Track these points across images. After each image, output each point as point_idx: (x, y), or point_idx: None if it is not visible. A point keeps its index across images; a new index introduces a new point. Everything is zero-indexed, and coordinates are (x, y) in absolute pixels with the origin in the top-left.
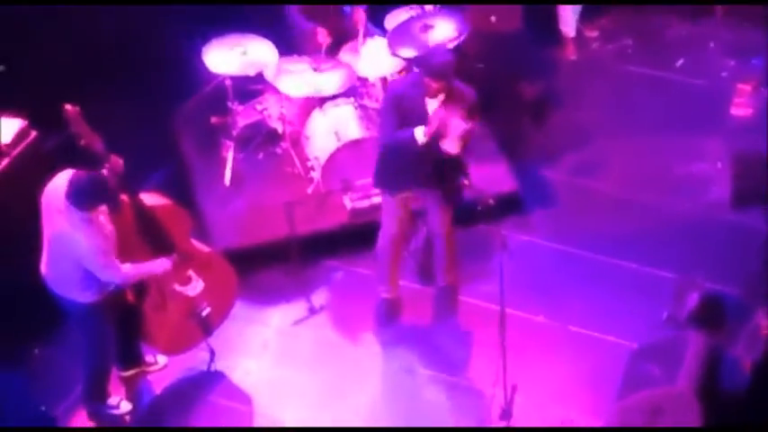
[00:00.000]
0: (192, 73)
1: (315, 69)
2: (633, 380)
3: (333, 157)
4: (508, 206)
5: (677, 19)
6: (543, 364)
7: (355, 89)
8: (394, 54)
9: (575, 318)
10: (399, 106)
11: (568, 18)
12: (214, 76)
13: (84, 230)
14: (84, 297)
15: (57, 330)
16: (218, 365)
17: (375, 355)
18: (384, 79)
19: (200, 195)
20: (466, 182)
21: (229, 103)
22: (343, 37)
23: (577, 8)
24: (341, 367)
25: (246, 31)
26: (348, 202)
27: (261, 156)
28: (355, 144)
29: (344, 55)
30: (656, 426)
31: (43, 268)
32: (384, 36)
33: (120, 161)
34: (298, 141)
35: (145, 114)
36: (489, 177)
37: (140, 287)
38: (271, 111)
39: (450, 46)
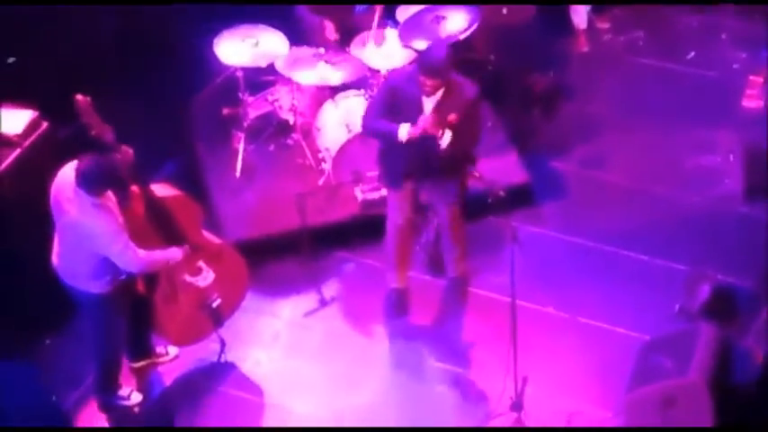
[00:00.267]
0: (204, 64)
1: (326, 61)
2: (644, 372)
3: (344, 149)
4: (519, 198)
5: (689, 11)
6: (554, 356)
7: (366, 81)
8: (406, 46)
9: (585, 309)
10: (393, 97)
11: (580, 10)
12: (226, 68)
13: (97, 216)
14: (95, 287)
15: (68, 321)
16: (229, 356)
17: (386, 347)
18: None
19: (211, 186)
20: (476, 174)
21: (241, 95)
22: (352, 29)
23: None
24: (351, 359)
25: (258, 22)
26: (359, 193)
27: (272, 147)
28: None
29: (355, 47)
30: (667, 417)
31: (54, 259)
32: (395, 28)
33: (131, 152)
34: (309, 133)
35: (156, 105)
36: (500, 169)
37: (151, 278)
38: (282, 102)
39: (461, 37)
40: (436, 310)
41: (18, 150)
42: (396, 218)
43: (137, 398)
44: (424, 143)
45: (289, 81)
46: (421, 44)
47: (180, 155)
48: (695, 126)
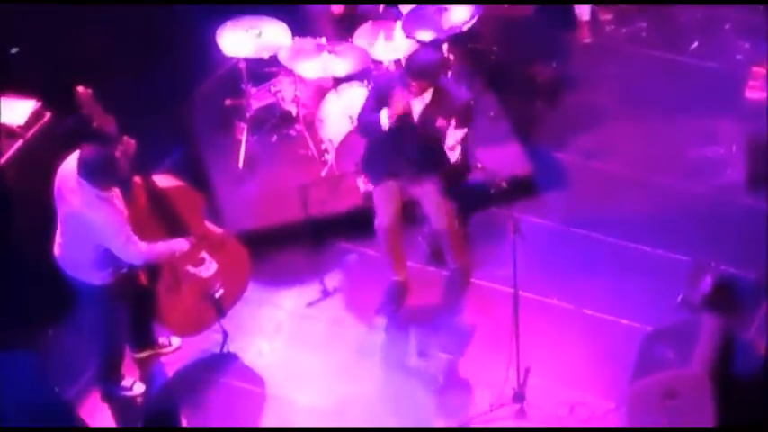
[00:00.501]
0: (207, 55)
1: (329, 51)
2: (647, 362)
3: (346, 140)
4: (521, 189)
5: (692, 1)
6: (556, 347)
7: (370, 72)
8: (409, 37)
9: (588, 300)
10: (381, 99)
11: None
12: (228, 59)
13: (100, 208)
14: (98, 279)
15: (70, 312)
16: (231, 347)
17: (388, 338)
18: (399, 62)
19: (213, 177)
20: (479, 165)
21: (243, 86)
22: (356, 20)
23: None
24: (354, 349)
25: (261, 13)
26: (361, 184)
27: (274, 138)
28: None
29: (359, 38)
30: (669, 408)
31: (56, 250)
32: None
33: (133, 143)
34: (311, 124)
35: (159, 97)
36: (502, 160)
37: (153, 269)
38: (285, 93)
39: (465, 28)
40: (439, 301)
41: (20, 141)
42: (382, 218)
43: (139, 388)
44: (405, 135)
45: (291, 72)
46: (425, 35)
47: (182, 146)
48: (698, 117)
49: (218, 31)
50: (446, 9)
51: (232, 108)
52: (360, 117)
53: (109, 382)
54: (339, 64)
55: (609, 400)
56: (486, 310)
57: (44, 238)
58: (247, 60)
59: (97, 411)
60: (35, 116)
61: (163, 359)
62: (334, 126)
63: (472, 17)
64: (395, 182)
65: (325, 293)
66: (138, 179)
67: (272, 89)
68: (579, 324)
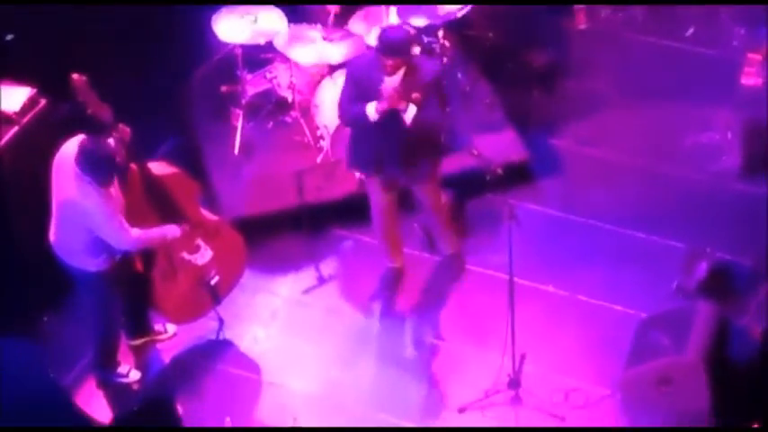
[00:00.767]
0: (203, 42)
1: (324, 38)
2: (642, 349)
3: (342, 127)
4: (517, 175)
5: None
6: (552, 334)
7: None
8: (404, 23)
9: (583, 287)
10: (357, 86)
11: None
12: (224, 45)
13: (94, 197)
14: (93, 265)
15: (66, 298)
16: (227, 334)
17: (383, 324)
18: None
19: (209, 164)
20: (474, 151)
21: (239, 72)
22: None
23: None
24: (349, 336)
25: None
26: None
27: (270, 124)
28: None
29: (354, 24)
30: (663, 395)
31: (52, 236)
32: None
33: (128, 130)
34: (307, 110)
35: (154, 83)
36: (498, 147)
37: (149, 256)
38: (280, 79)
39: (459, 15)
40: (434, 288)
41: (16, 128)
42: (377, 202)
43: (135, 375)
44: (391, 125)
45: (287, 58)
46: (420, 21)
47: (178, 132)
48: (694, 103)
49: (214, 18)
50: None
51: (228, 94)
52: (341, 108)
53: (105, 369)
54: (335, 50)
55: (604, 387)
56: (481, 297)
57: (39, 225)
58: (243, 46)
59: (93, 398)
60: (30, 103)
61: (158, 346)
62: (330, 112)
63: (467, 3)
64: (382, 171)
65: (321, 280)
66: (133, 166)
67: (268, 75)
68: (574, 311)
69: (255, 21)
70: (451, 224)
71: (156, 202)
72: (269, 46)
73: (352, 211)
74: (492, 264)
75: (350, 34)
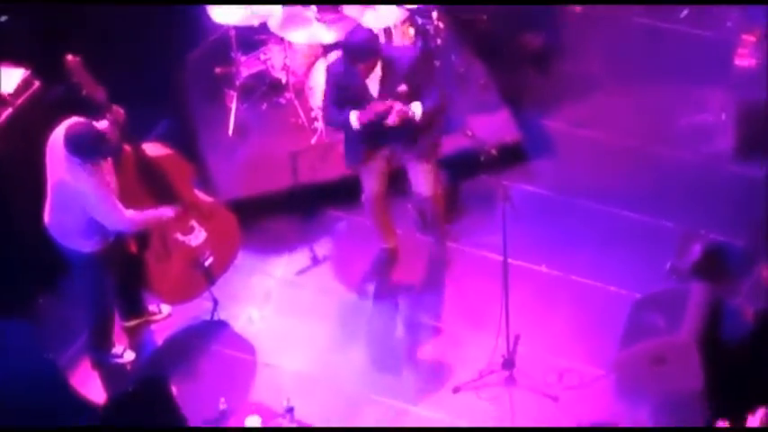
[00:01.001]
0: (197, 23)
1: (318, 20)
2: (636, 330)
3: None
4: (511, 156)
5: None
6: (546, 314)
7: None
8: (399, 5)
9: (577, 268)
10: (339, 88)
11: None
12: (218, 27)
13: (87, 179)
14: (87, 246)
15: (61, 279)
16: (221, 315)
17: (378, 305)
18: (388, 30)
19: (203, 145)
20: (469, 132)
21: (233, 54)
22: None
23: None
24: (343, 316)
25: None
26: None
27: (264, 106)
28: None
29: (348, 6)
30: (657, 375)
31: (46, 217)
32: None
33: (122, 111)
34: (301, 92)
35: (148, 65)
36: (492, 128)
37: (143, 237)
38: (274, 61)
39: None
40: (427, 269)
41: (10, 109)
42: (369, 188)
43: (129, 356)
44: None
45: (281, 40)
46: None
47: (172, 114)
48: (687, 84)
49: None
50: None
51: (222, 76)
52: (325, 112)
53: (99, 350)
54: (328, 32)
55: (597, 367)
56: (475, 278)
57: (34, 206)
58: (237, 28)
59: (88, 379)
60: (24, 84)
61: (153, 327)
62: None
63: None
64: (379, 155)
65: (315, 261)
66: (127, 148)
67: (262, 57)
68: (568, 291)
69: (249, 2)
70: (445, 207)
71: (150, 184)
72: (263, 27)
73: (346, 192)
74: (486, 244)
75: (344, 17)
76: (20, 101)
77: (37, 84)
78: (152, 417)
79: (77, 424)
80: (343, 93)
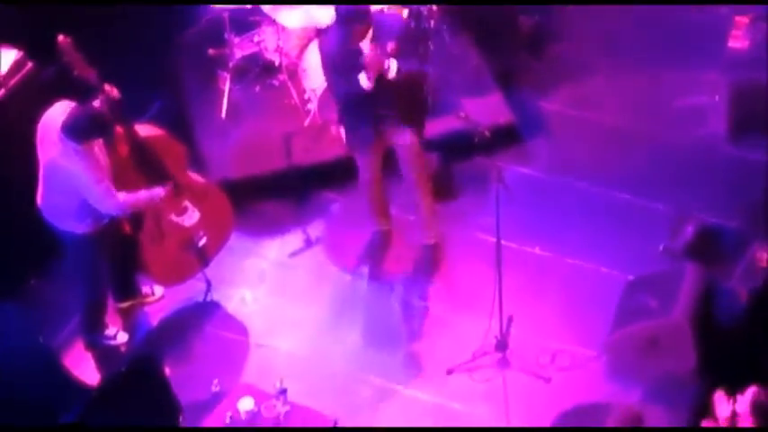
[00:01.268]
0: (190, 4)
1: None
2: (629, 311)
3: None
4: (504, 138)
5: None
6: (539, 296)
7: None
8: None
9: (569, 249)
10: (335, 63)
11: None
12: (211, 8)
13: (79, 161)
14: (80, 228)
15: (53, 261)
16: (215, 296)
17: (371, 287)
18: (381, 12)
19: (196, 127)
20: (462, 114)
21: (226, 36)
22: None
23: None
24: (336, 298)
25: None
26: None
27: (258, 88)
28: None
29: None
30: (650, 357)
31: (39, 199)
32: None
33: (116, 91)
34: (295, 73)
35: (142, 46)
36: (486, 110)
37: (137, 218)
38: (268, 43)
39: None
40: (421, 250)
41: (2, 90)
42: (364, 171)
43: (123, 337)
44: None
45: (274, 22)
46: None
47: (165, 95)
48: (681, 67)
49: None
50: None
51: (215, 58)
52: (337, 97)
53: (93, 332)
54: (322, 13)
55: (590, 348)
56: (469, 260)
57: (27, 188)
58: (230, 10)
59: (81, 361)
60: (17, 65)
61: (146, 308)
62: (317, 76)
63: None
64: (375, 130)
65: (308, 243)
66: (120, 129)
67: (255, 39)
68: (561, 272)
69: None
70: (434, 188)
71: (142, 165)
72: (256, 9)
73: (339, 173)
74: (479, 226)
75: None
76: (13, 82)
77: (30, 65)
78: (145, 397)
79: (71, 406)
80: (343, 67)
